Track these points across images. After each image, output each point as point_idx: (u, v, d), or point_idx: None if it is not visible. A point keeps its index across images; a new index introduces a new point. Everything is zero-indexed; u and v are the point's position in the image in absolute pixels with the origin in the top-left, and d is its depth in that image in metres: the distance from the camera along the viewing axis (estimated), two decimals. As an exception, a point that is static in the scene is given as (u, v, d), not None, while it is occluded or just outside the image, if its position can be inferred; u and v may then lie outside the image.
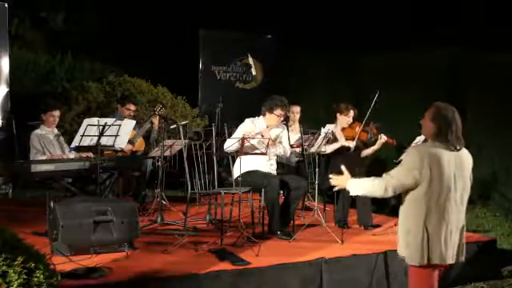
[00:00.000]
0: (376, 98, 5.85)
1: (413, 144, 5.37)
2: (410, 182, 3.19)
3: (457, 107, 3.33)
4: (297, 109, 7.14)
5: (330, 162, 5.92)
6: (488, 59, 7.86)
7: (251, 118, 5.71)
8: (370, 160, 6.78)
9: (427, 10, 9.02)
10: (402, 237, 3.30)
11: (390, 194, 3.27)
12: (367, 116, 5.88)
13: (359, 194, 3.48)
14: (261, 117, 5.69)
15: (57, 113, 5.97)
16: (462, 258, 3.33)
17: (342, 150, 5.89)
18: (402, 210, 3.32)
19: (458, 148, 3.23)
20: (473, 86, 8.15)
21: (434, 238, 3.18)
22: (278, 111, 5.57)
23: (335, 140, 5.91)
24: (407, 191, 3.26)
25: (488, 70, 7.92)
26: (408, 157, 3.23)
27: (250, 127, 5.58)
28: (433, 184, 3.16)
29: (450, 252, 3.23)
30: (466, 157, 3.31)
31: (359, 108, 6.21)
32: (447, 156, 3.19)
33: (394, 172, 3.25)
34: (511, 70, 7.54)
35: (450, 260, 3.24)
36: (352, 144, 5.88)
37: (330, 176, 3.57)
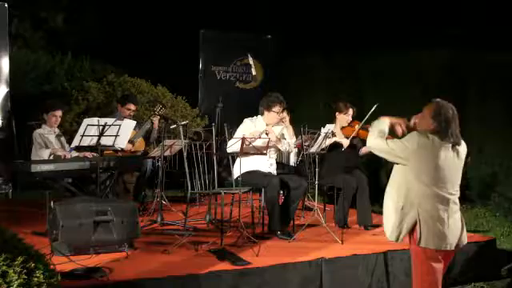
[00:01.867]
0: (375, 108, 5.80)
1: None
2: (398, 153, 3.29)
3: (457, 107, 3.38)
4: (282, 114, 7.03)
5: (327, 160, 5.92)
6: (488, 59, 7.86)
7: (250, 118, 5.70)
8: (368, 159, 6.78)
9: (427, 10, 9.02)
10: (393, 214, 3.33)
11: (376, 151, 3.42)
12: (366, 118, 5.88)
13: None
14: (259, 116, 5.69)
15: (59, 113, 5.98)
16: (464, 243, 3.37)
17: (336, 147, 5.90)
18: (393, 190, 3.36)
19: (456, 144, 3.29)
20: (473, 86, 8.15)
21: (431, 224, 3.24)
22: (277, 108, 5.57)
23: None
24: (401, 176, 3.31)
25: (488, 69, 7.91)
26: (409, 137, 3.32)
27: (250, 127, 5.58)
28: (426, 173, 3.25)
29: (449, 238, 3.27)
30: (462, 147, 3.36)
31: (358, 108, 6.20)
32: (445, 149, 3.26)
33: (392, 140, 3.36)
34: (511, 70, 7.54)
35: (449, 246, 3.27)
36: (345, 142, 5.87)
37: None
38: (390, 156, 3.35)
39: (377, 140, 3.39)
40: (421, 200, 3.25)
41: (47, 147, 5.76)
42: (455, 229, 3.31)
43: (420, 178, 3.25)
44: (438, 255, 3.27)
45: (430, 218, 3.24)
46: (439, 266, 3.29)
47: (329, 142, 5.78)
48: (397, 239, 3.32)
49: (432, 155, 3.24)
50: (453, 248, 3.30)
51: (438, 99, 3.39)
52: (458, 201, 3.37)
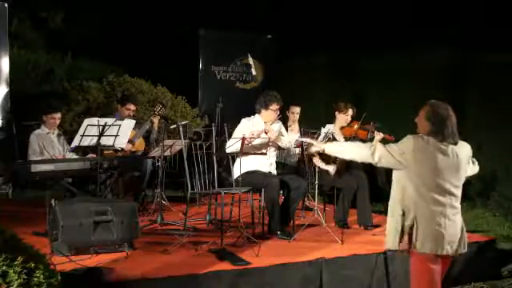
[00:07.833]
0: (363, 117, 5.89)
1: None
2: (396, 159, 3.28)
3: (456, 107, 3.37)
4: (297, 109, 7.19)
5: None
6: (488, 59, 7.86)
7: (247, 118, 5.69)
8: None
9: (427, 9, 9.02)
10: (392, 225, 3.35)
11: (375, 159, 3.37)
12: (362, 118, 5.89)
13: (340, 155, 3.62)
14: (256, 115, 5.68)
15: (58, 115, 5.97)
16: (463, 250, 3.35)
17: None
18: (392, 198, 3.37)
19: (454, 142, 3.29)
20: (473, 85, 8.15)
21: (426, 228, 3.23)
22: (274, 106, 5.56)
23: (335, 140, 5.91)
24: (399, 181, 3.31)
25: (488, 69, 7.91)
26: (405, 140, 3.32)
27: (247, 126, 5.57)
28: (423, 176, 3.23)
29: (447, 243, 3.26)
30: (462, 147, 3.36)
31: (359, 108, 6.21)
32: (443, 149, 3.25)
33: (388, 145, 3.35)
34: (511, 70, 7.54)
35: (446, 251, 3.26)
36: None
37: (307, 140, 3.68)
38: (392, 160, 3.31)
39: (376, 153, 3.34)
40: (417, 204, 3.24)
41: (42, 153, 5.74)
42: (453, 233, 3.27)
43: (417, 182, 3.23)
44: (436, 257, 3.27)
45: (426, 221, 3.22)
46: (437, 268, 3.29)
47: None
48: (397, 246, 3.30)
49: (429, 157, 3.22)
50: (449, 253, 3.27)
51: (433, 100, 3.40)
52: (458, 204, 3.33)
